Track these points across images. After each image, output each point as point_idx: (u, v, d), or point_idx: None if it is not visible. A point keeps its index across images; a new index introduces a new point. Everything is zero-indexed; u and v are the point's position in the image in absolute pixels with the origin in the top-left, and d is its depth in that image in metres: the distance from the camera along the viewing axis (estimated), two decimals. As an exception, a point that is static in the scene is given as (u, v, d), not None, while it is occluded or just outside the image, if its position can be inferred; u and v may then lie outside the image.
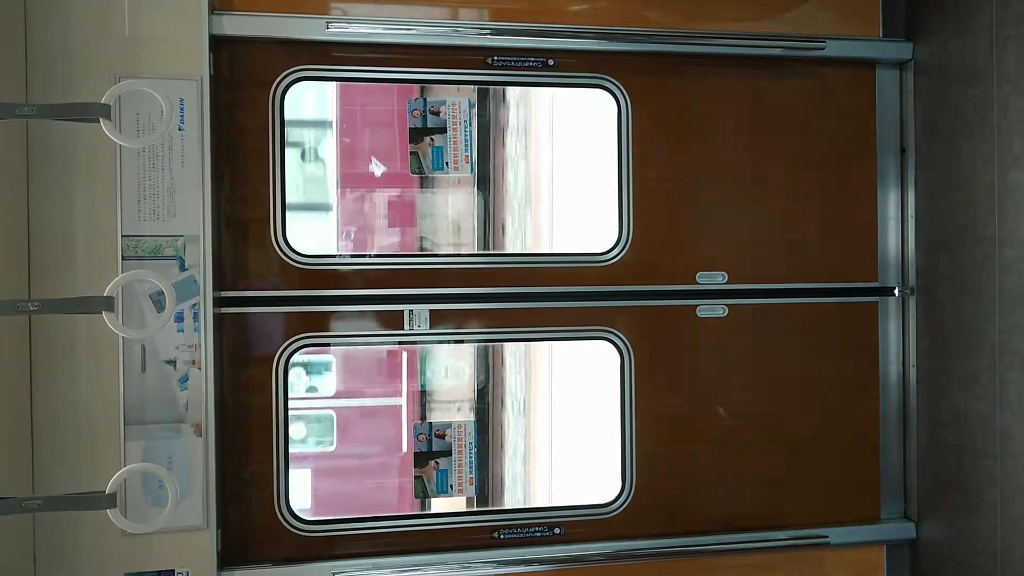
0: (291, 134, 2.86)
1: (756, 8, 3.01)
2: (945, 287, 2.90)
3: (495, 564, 2.83)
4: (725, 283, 3.01)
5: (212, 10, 2.61)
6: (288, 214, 2.78)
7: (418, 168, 2.95)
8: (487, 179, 3.18)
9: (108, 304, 2.12)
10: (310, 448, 3.91)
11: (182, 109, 2.56)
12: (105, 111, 2.13)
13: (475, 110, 2.98)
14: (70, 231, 2.52)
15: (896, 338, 3.11)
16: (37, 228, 2.50)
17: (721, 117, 3.03)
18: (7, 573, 2.31)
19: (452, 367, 3.43)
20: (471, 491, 3.00)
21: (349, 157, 3.34)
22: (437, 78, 2.93)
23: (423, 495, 2.94)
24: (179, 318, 2.55)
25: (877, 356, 3.11)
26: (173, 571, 2.57)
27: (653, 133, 2.97)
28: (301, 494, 3.24)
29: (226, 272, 2.74)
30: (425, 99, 2.95)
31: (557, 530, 2.92)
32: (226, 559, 2.68)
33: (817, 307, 3.08)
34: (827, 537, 3.00)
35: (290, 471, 2.79)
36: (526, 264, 2.97)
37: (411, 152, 2.93)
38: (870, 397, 3.11)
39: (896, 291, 3.10)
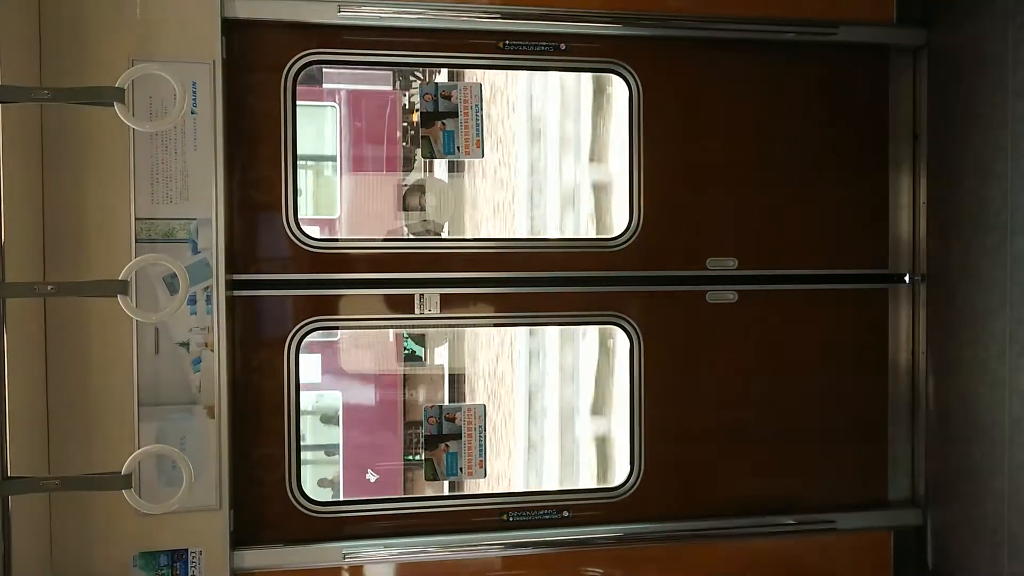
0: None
1: (769, -8, 2.99)
2: (956, 274, 2.90)
3: (504, 546, 2.86)
4: (736, 269, 3.01)
5: (225, -7, 2.61)
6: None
7: (429, 152, 2.95)
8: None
9: (123, 287, 2.14)
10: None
11: (195, 93, 2.56)
12: (119, 95, 2.13)
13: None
14: (84, 213, 2.53)
15: (906, 325, 3.11)
16: (51, 211, 2.51)
17: (733, 102, 3.01)
18: (24, 552, 2.34)
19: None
20: (481, 474, 3.02)
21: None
22: (448, 62, 2.92)
23: (433, 478, 2.96)
24: (192, 301, 2.57)
25: (887, 343, 3.11)
26: (187, 550, 2.60)
27: (664, 118, 2.96)
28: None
29: (237, 255, 2.75)
30: (437, 84, 2.95)
31: (566, 513, 2.94)
32: (238, 539, 2.71)
33: (828, 293, 3.07)
34: (834, 522, 3.01)
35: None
36: (536, 249, 2.98)
37: (423, 136, 2.93)
38: (879, 383, 3.11)
39: (907, 278, 3.10)
